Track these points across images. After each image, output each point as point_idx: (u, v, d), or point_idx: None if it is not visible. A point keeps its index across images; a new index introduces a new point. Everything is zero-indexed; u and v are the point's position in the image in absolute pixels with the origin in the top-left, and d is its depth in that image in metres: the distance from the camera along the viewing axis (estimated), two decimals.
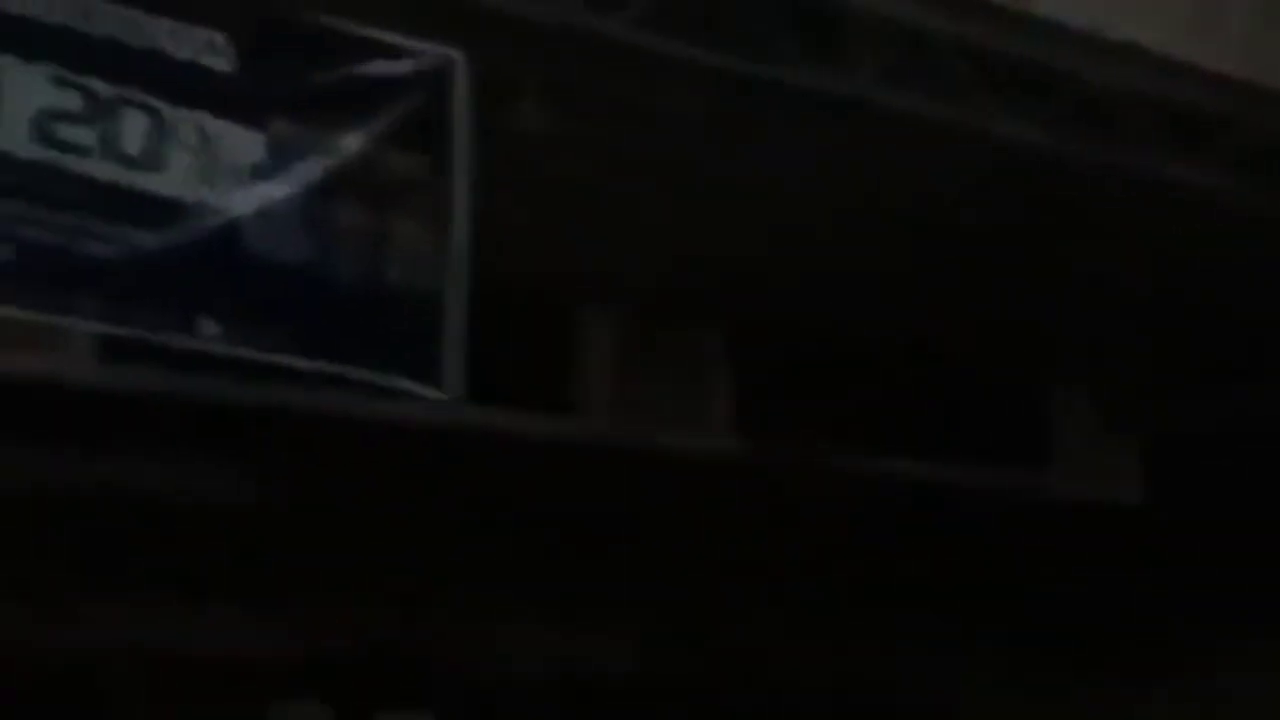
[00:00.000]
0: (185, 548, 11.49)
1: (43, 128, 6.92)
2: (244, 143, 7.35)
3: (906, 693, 13.42)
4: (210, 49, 7.35)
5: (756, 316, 12.70)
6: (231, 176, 7.31)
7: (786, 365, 13.14)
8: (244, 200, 7.33)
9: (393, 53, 7.89)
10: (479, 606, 12.28)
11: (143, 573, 11.42)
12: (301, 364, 7.58)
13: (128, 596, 11.42)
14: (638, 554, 12.59)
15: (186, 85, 7.25)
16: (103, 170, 7.03)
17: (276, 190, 7.41)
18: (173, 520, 11.51)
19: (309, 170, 7.51)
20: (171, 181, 7.16)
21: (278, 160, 7.43)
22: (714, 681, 12.93)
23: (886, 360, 13.19)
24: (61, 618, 11.18)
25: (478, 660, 12.52)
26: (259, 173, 7.37)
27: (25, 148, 6.87)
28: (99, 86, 7.06)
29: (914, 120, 9.45)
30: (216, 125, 7.29)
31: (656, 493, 12.28)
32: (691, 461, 12.56)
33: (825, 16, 9.09)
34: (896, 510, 13.16)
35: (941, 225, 10.94)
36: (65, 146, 6.96)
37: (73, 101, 7.00)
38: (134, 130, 7.11)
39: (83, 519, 11.22)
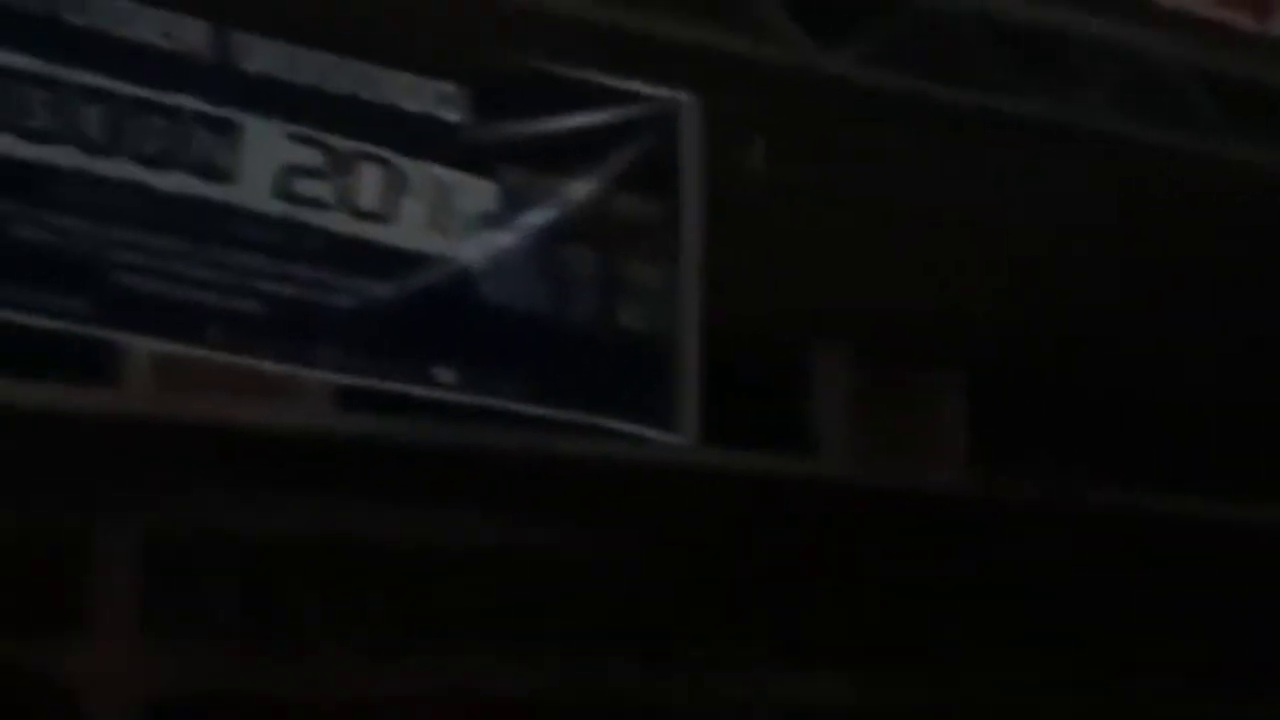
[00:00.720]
0: (424, 594, 11.64)
1: (283, 183, 7.10)
2: (476, 192, 7.46)
3: None
4: (443, 101, 7.48)
5: (992, 350, 12.57)
6: (465, 226, 7.42)
7: (1023, 398, 12.99)
8: (477, 249, 7.44)
9: (622, 97, 7.97)
10: (718, 648, 12.27)
11: (382, 618, 11.59)
12: (536, 410, 7.66)
13: (367, 642, 11.57)
14: (877, 592, 12.52)
15: (420, 137, 7.39)
16: (340, 223, 7.19)
17: (509, 238, 7.52)
18: (410, 567, 11.67)
19: (540, 217, 7.60)
20: (406, 233, 7.30)
21: (509, 208, 7.53)
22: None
23: (1124, 392, 13.00)
24: (301, 662, 11.35)
25: (717, 703, 12.49)
26: (491, 221, 7.48)
27: (267, 203, 7.06)
28: (336, 142, 7.22)
29: (1146, 148, 9.32)
30: (449, 176, 7.42)
31: (895, 530, 12.18)
32: (929, 498, 12.45)
33: (1052, 44, 9.01)
34: (1137, 545, 12.92)
35: (1176, 254, 10.76)
36: (304, 201, 7.13)
37: (311, 157, 7.17)
38: (370, 183, 7.27)
39: (320, 566, 11.42)
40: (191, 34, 7.10)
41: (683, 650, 12.17)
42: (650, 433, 7.90)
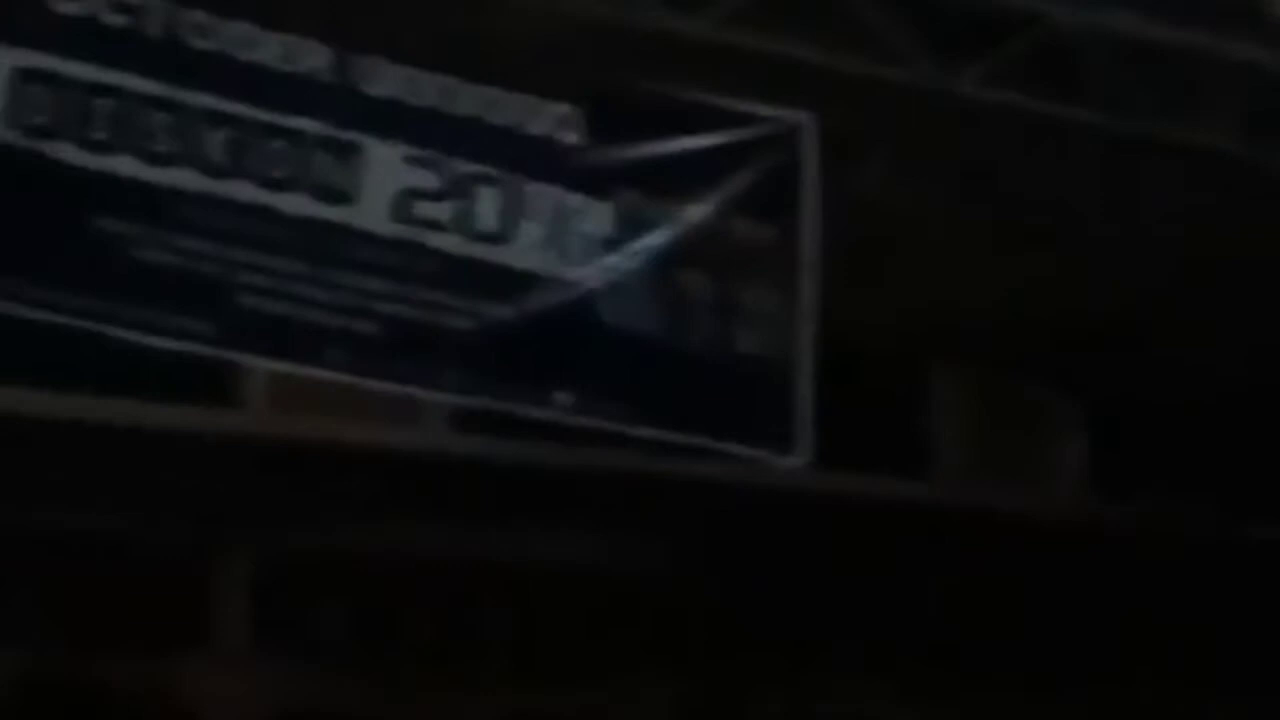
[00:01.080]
0: (538, 617, 11.64)
1: (401, 206, 7.10)
2: (594, 214, 7.43)
3: None
4: (561, 123, 7.46)
5: (1109, 374, 12.43)
6: (583, 248, 7.39)
7: (1140, 424, 12.84)
8: (595, 271, 7.42)
9: (739, 119, 7.91)
10: (829, 673, 12.20)
11: (495, 641, 11.60)
12: (653, 434, 7.61)
13: (480, 666, 11.59)
14: (992, 619, 12.39)
15: (538, 160, 7.38)
16: (459, 245, 7.18)
17: (626, 261, 7.48)
18: (524, 588, 11.67)
19: (658, 240, 7.56)
20: (525, 255, 7.28)
21: (627, 231, 7.50)
22: None
23: (1245, 419, 12.81)
24: (411, 685, 11.36)
25: None
26: (609, 244, 7.45)
27: (386, 226, 7.07)
28: (455, 164, 7.22)
29: (1274, 171, 9.18)
30: (567, 198, 7.40)
31: (1010, 556, 12.06)
32: (1045, 524, 12.31)
33: (1181, 68, 8.89)
34: (1254, 575, 12.72)
35: None
36: (423, 223, 7.13)
37: (429, 179, 7.17)
38: (488, 206, 7.25)
39: (433, 588, 11.43)
40: (312, 57, 7.12)
41: (806, 676, 12.10)
42: (766, 456, 7.84)
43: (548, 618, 11.69)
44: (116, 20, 6.83)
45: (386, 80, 7.20)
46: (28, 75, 6.66)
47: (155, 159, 6.79)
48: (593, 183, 7.45)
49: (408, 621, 11.43)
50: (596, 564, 11.63)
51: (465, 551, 11.31)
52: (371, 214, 7.03)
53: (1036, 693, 12.48)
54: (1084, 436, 13.00)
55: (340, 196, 7.01)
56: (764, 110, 8.02)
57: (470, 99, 7.33)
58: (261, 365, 8.07)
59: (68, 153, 6.70)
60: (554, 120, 7.44)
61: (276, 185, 6.92)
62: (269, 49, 7.04)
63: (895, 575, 11.95)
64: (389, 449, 10.55)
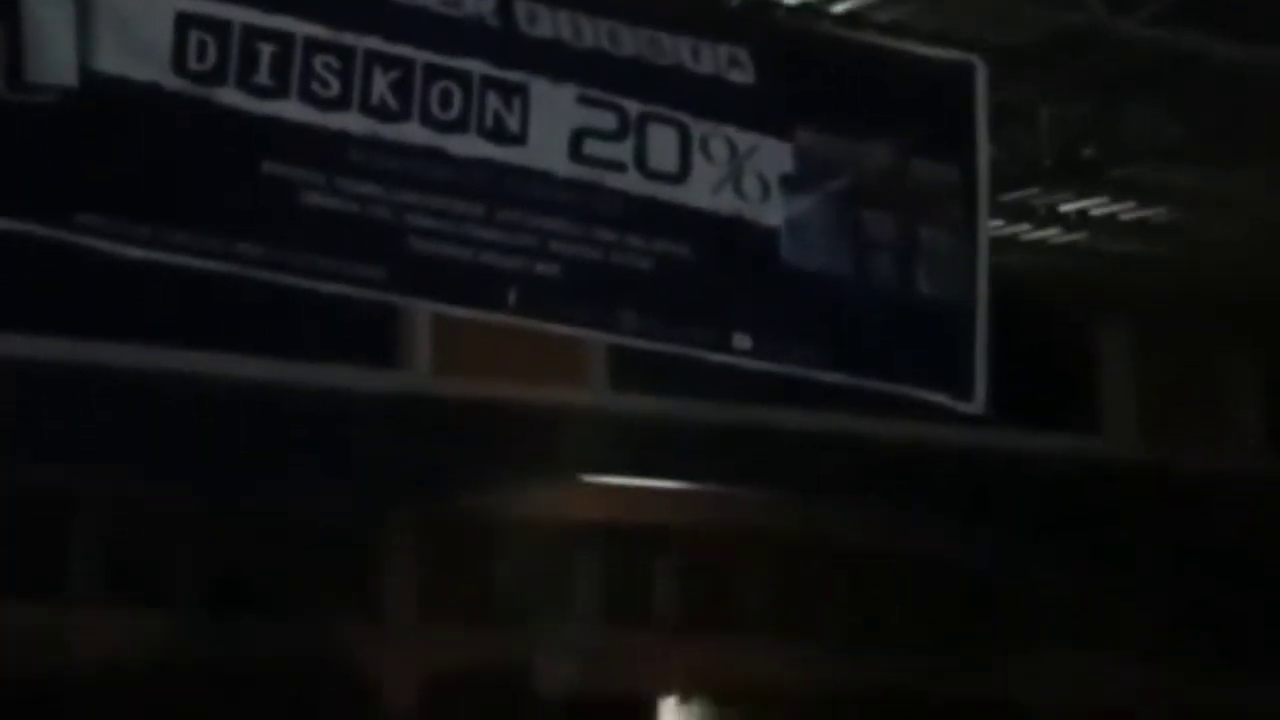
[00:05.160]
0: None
1: (577, 146, 6.93)
2: (772, 153, 7.23)
3: None
4: (731, 63, 7.28)
5: None
6: (762, 187, 7.20)
7: None
8: (775, 211, 7.22)
9: (913, 62, 7.74)
10: (1004, 633, 12.00)
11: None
12: (831, 377, 7.39)
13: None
14: (1165, 577, 12.14)
15: (711, 99, 7.19)
16: (636, 185, 7.00)
17: (807, 201, 7.28)
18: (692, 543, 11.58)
19: (838, 180, 7.36)
20: (704, 193, 7.10)
21: (806, 170, 7.29)
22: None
23: None
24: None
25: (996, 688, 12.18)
26: (789, 183, 7.25)
27: (563, 166, 6.89)
28: (627, 104, 7.04)
29: None
30: (744, 137, 7.20)
31: (1184, 515, 11.81)
32: (1221, 482, 12.04)
33: None
34: None
35: None
36: (599, 163, 6.95)
37: (603, 119, 6.99)
38: (664, 145, 7.06)
39: (605, 543, 11.32)
40: (475, 1, 6.95)
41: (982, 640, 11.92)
42: (946, 401, 7.61)
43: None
44: None
45: (550, 23, 7.02)
46: (190, 20, 6.52)
47: (321, 103, 6.62)
48: (768, 121, 7.25)
49: (584, 580, 11.30)
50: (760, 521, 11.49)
51: (636, 511, 11.18)
52: (547, 154, 6.86)
53: (1217, 648, 12.22)
54: (1260, 391, 12.75)
55: (511, 137, 6.84)
56: (936, 52, 7.86)
57: (633, 40, 7.14)
58: (438, 310, 7.92)
59: (234, 98, 6.54)
60: (722, 61, 7.25)
61: (446, 127, 6.74)
62: None
63: (1065, 532, 11.72)
64: (555, 408, 10.45)
